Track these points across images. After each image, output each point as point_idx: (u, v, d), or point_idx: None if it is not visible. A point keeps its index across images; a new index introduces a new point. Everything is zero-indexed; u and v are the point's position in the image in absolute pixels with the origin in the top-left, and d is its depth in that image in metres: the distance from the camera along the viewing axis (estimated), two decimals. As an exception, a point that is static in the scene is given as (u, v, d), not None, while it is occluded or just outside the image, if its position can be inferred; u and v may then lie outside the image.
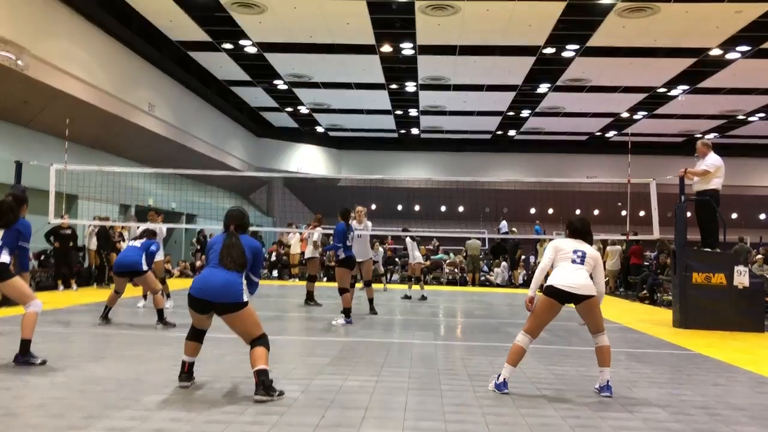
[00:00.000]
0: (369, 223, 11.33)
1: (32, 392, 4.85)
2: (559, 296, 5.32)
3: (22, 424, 4.04)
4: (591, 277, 5.39)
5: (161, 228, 11.61)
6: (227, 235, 5.16)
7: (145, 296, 11.15)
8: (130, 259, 8.92)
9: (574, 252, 5.46)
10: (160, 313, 8.71)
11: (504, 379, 5.28)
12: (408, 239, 15.25)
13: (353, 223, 10.86)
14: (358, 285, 13.08)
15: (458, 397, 5.11)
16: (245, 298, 4.96)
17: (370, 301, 11.08)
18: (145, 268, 8.93)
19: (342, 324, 9.30)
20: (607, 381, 5.34)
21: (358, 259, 10.60)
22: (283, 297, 14.14)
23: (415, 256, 15.16)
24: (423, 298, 14.57)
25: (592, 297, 5.34)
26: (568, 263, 5.42)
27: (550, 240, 8.71)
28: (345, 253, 9.73)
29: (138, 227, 11.83)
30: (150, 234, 9.39)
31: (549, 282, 5.39)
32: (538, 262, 19.70)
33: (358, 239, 10.67)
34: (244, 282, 5.04)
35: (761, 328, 10.03)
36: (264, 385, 4.77)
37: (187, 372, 5.17)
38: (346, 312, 9.48)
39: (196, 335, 5.20)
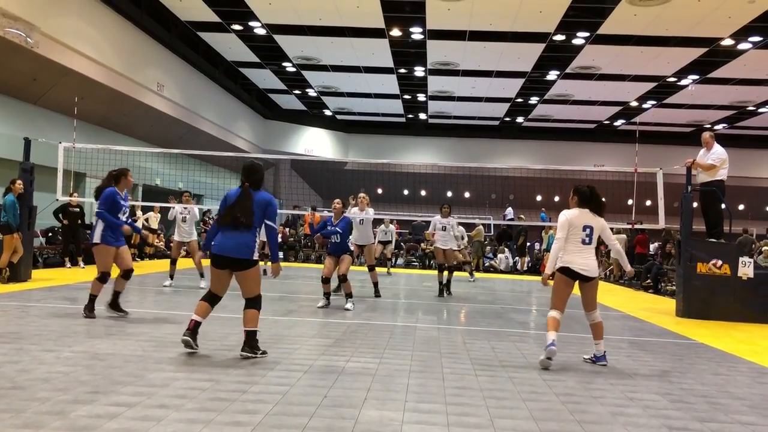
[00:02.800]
0: (371, 210, 11.48)
1: (39, 366, 4.91)
2: (573, 275, 6.01)
3: (28, 397, 4.10)
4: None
5: (193, 210, 12.27)
6: (240, 191, 5.68)
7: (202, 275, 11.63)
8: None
9: (584, 229, 6.02)
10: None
11: (552, 340, 5.77)
12: (452, 222, 13.35)
13: (355, 210, 11.28)
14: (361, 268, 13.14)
15: (460, 380, 5.16)
16: (255, 257, 5.62)
17: (375, 284, 11.48)
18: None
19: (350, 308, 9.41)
20: (604, 352, 6.11)
21: (360, 243, 11.28)
22: (289, 278, 14.20)
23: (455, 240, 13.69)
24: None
25: (596, 278, 6.12)
26: (579, 243, 6.01)
27: (552, 227, 8.85)
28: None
29: (173, 207, 12.19)
30: None
31: (564, 263, 6.00)
32: (544, 249, 19.84)
33: (360, 225, 11.15)
34: (258, 240, 5.65)
35: (764, 319, 10.04)
36: (249, 344, 5.54)
37: (191, 329, 5.56)
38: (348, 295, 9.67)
39: (212, 299, 5.74)
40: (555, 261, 6.03)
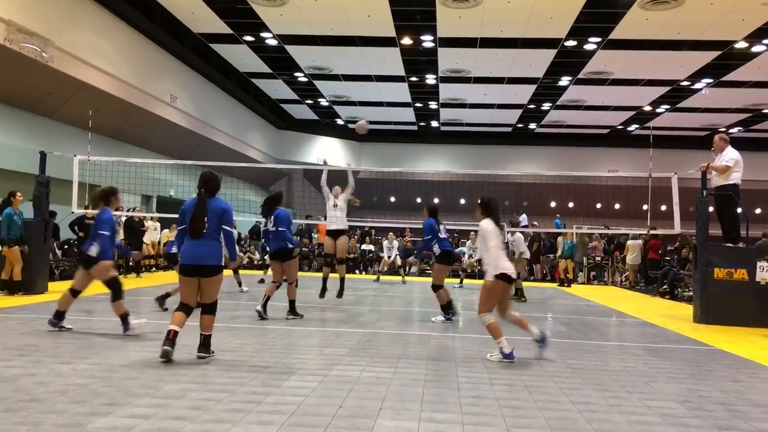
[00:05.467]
0: (342, 196, 11.41)
1: (56, 379, 4.94)
2: (509, 280, 6.54)
3: (46, 409, 4.12)
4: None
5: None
6: (197, 199, 5.96)
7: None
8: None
9: (498, 236, 6.63)
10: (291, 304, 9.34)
11: (511, 349, 6.36)
12: (517, 233, 13.46)
13: (338, 199, 11.29)
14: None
15: (475, 389, 5.13)
16: (222, 262, 5.96)
17: (341, 280, 11.38)
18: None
19: (442, 321, 9.28)
20: (540, 332, 6.72)
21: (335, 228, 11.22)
22: (303, 288, 14.19)
23: (522, 251, 13.37)
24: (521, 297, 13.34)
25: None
26: (503, 250, 6.62)
27: (567, 233, 9.04)
28: (441, 248, 9.56)
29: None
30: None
31: (503, 270, 6.41)
32: (559, 255, 19.69)
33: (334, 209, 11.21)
34: (223, 247, 5.97)
35: (783, 324, 9.91)
36: (204, 344, 5.87)
37: (171, 339, 5.73)
38: (444, 308, 9.42)
39: (186, 309, 5.97)
40: (495, 268, 6.41)
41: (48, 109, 16.33)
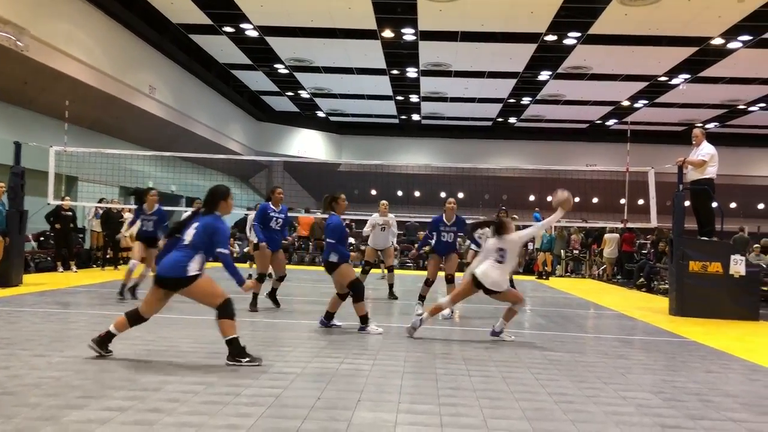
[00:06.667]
0: (391, 215, 12.13)
1: (30, 372, 4.89)
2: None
3: (19, 402, 4.08)
4: None
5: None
6: (191, 216, 5.66)
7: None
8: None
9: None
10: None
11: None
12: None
13: (376, 215, 12.02)
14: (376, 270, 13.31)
15: (453, 380, 5.16)
16: (190, 273, 5.34)
17: (391, 286, 11.84)
18: None
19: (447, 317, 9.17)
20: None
21: (379, 248, 12.10)
22: (287, 280, 14.15)
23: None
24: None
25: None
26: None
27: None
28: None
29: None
30: None
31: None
32: (537, 248, 19.84)
33: (380, 231, 11.99)
34: (197, 258, 5.38)
35: (756, 316, 10.09)
36: (231, 353, 5.37)
37: (104, 337, 5.49)
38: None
39: (136, 318, 5.57)
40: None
41: (23, 99, 16.07)
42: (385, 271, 12.14)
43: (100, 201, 16.24)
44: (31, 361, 5.23)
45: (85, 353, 5.59)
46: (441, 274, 9.64)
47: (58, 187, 13.76)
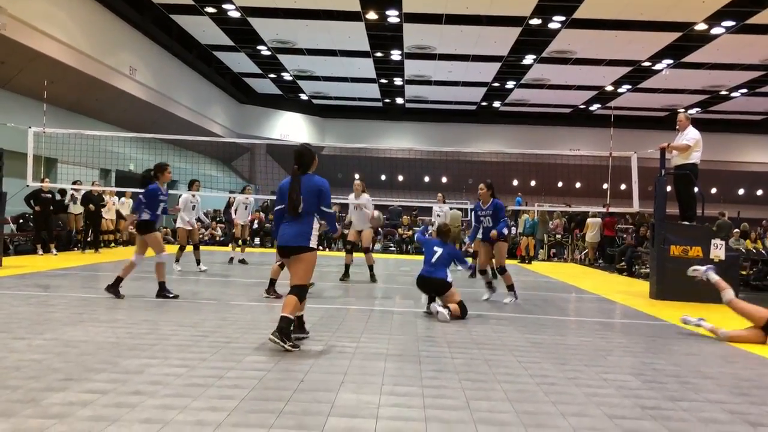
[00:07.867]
0: (366, 195, 11.64)
1: (9, 355, 4.83)
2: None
3: (-1, 385, 4.04)
4: None
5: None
6: (291, 179, 5.65)
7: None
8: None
9: None
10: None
11: None
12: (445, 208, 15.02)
13: (351, 196, 11.65)
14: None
15: (436, 363, 5.18)
16: (312, 244, 5.60)
17: (370, 267, 11.69)
18: None
19: (513, 301, 9.36)
20: None
21: (358, 229, 11.68)
22: (265, 264, 14.13)
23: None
24: None
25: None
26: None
27: (528, 211, 9.25)
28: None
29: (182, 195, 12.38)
30: None
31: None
32: (520, 233, 19.95)
33: (355, 210, 11.57)
34: (315, 226, 5.63)
35: (735, 300, 10.20)
36: (280, 330, 5.32)
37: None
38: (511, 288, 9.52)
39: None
40: None
41: (1, 80, 15.81)
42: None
43: (74, 183, 15.93)
44: (10, 344, 5.17)
45: (65, 336, 5.54)
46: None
47: (38, 169, 13.57)
